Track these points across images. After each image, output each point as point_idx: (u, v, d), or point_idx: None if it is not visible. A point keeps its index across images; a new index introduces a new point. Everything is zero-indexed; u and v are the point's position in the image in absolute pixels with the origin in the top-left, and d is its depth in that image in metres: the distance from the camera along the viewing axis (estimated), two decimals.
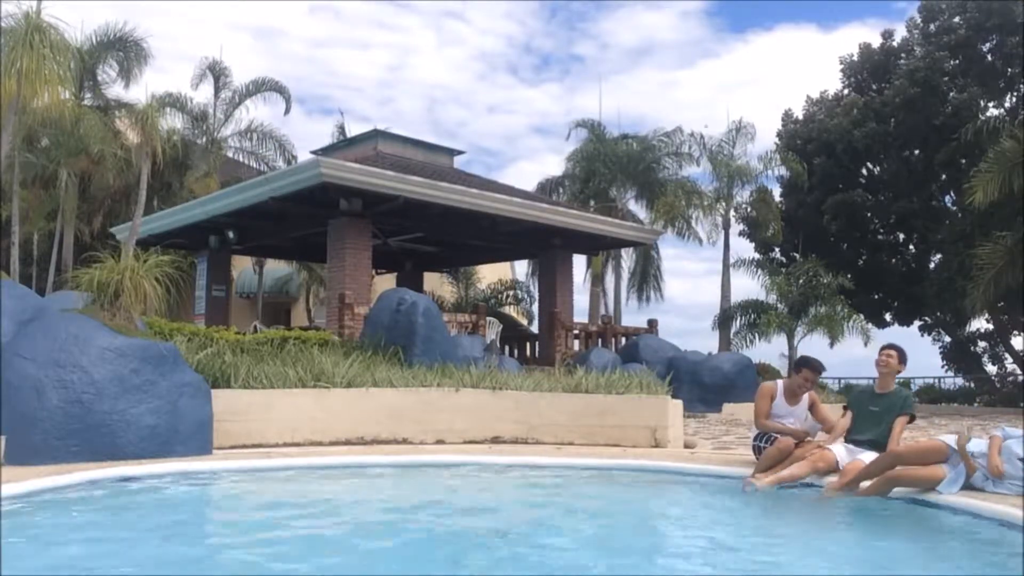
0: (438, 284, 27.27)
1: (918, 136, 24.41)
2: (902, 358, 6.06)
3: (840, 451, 5.84)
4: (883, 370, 6.05)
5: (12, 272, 16.27)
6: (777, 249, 27.97)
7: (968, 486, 5.19)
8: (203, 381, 7.23)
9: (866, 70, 26.95)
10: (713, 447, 8.73)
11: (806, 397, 6.48)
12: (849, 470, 5.53)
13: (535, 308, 24.58)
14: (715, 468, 6.63)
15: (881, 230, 27.59)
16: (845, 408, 6.25)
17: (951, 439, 5.41)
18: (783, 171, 25.34)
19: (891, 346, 6.20)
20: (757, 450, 6.39)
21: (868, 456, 5.59)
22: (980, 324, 27.31)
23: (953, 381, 28.03)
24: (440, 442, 8.27)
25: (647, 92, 68.41)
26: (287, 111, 24.16)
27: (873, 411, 5.96)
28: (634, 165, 24.93)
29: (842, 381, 25.89)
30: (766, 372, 17.45)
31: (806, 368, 6.43)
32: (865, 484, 5.34)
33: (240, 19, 61.20)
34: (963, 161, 22.22)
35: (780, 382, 6.63)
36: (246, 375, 8.02)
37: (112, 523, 4.67)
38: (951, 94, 23.75)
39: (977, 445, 5.30)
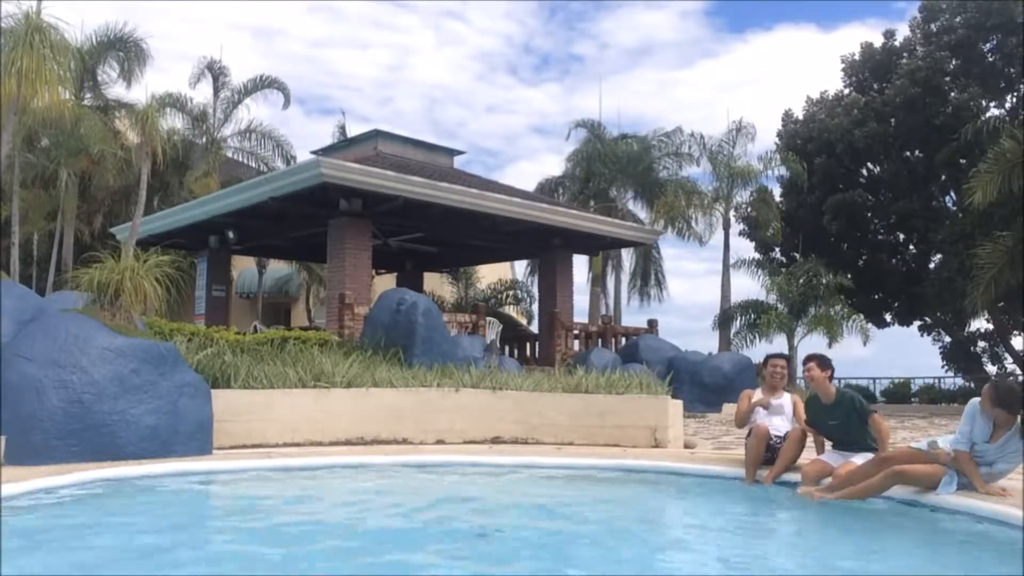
0: (438, 284, 27.27)
1: (918, 136, 24.39)
2: (823, 365, 5.98)
3: (833, 458, 5.84)
4: (813, 385, 6.02)
5: (12, 272, 16.26)
6: (777, 249, 27.95)
7: (962, 485, 5.18)
8: (203, 381, 7.23)
9: (867, 69, 26.93)
10: (713, 447, 8.73)
11: (788, 396, 6.61)
12: (841, 474, 5.53)
13: (535, 308, 24.58)
14: (715, 468, 6.64)
15: (881, 230, 27.56)
16: (807, 425, 6.22)
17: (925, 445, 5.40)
18: (783, 171, 25.33)
19: (810, 357, 6.10)
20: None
21: (860, 458, 5.60)
22: (980, 324, 27.30)
23: (953, 381, 28.00)
24: (440, 442, 8.27)
25: (647, 92, 68.48)
26: (286, 105, 24.05)
27: (833, 424, 5.93)
28: (634, 165, 24.93)
29: (842, 381, 25.89)
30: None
31: (772, 359, 6.76)
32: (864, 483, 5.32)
33: (239, 19, 61.25)
34: (963, 161, 22.19)
35: (758, 388, 6.83)
36: (246, 375, 8.02)
37: (112, 523, 4.67)
38: (951, 94, 23.73)
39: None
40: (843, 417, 5.84)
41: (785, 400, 6.57)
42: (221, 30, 58.96)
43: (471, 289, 27.71)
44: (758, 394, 6.64)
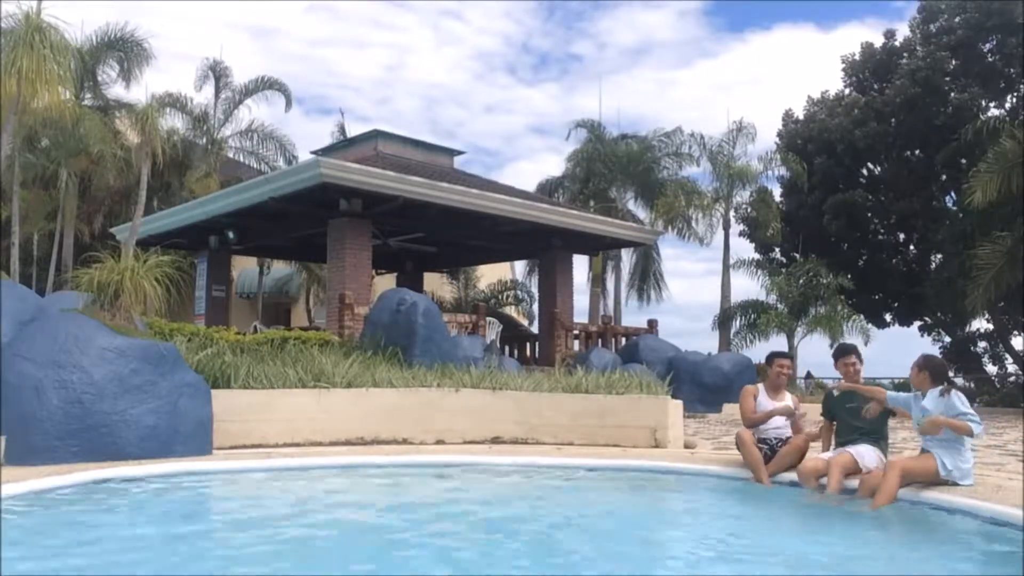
0: (438, 284, 27.28)
1: (919, 136, 24.40)
2: (861, 360, 6.29)
3: (828, 453, 5.84)
4: (855, 379, 6.21)
5: (12, 272, 16.25)
6: (777, 249, 27.95)
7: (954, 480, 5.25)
8: (203, 381, 7.23)
9: (868, 70, 26.94)
10: (713, 447, 8.72)
11: (789, 396, 6.57)
12: (836, 463, 5.54)
13: (535, 308, 24.57)
14: (715, 468, 6.64)
15: (881, 230, 27.57)
16: (823, 416, 6.28)
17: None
18: (783, 171, 25.33)
19: (850, 351, 6.32)
20: None
21: (859, 448, 5.63)
22: (980, 324, 27.32)
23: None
24: (440, 442, 8.27)
25: (646, 92, 68.59)
26: (288, 107, 24.09)
27: (852, 407, 5.97)
28: (634, 165, 24.91)
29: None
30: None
31: (777, 358, 6.66)
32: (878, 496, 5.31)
33: (238, 19, 61.32)
34: (963, 161, 22.20)
35: (760, 384, 6.71)
36: (246, 375, 8.01)
37: (112, 523, 4.67)
38: (952, 94, 23.74)
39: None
40: (865, 400, 5.90)
41: (788, 399, 6.52)
42: (220, 30, 59.03)
43: (471, 289, 27.72)
44: (761, 391, 6.54)
